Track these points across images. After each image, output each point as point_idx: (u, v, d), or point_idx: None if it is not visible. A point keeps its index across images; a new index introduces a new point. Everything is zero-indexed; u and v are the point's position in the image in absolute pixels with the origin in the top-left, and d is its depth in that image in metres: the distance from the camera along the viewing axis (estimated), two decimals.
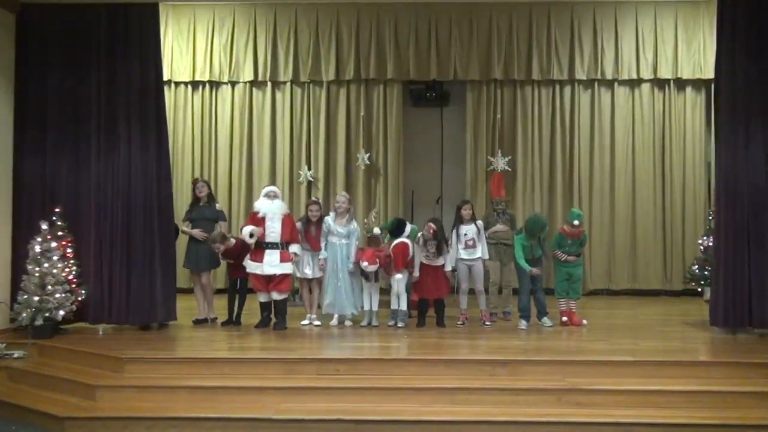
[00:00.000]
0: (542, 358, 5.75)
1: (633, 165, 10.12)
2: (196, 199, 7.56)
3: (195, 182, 7.70)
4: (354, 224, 7.27)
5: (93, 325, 7.11)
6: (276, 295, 7.02)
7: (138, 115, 7.16)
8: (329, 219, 7.20)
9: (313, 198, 7.65)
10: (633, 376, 5.48)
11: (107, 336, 6.90)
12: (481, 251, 7.19)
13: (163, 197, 7.21)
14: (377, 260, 6.89)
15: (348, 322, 7.24)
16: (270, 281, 6.98)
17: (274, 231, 6.98)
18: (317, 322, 7.25)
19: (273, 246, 6.97)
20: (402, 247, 6.99)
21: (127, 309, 7.03)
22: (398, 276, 6.95)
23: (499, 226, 7.60)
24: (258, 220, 7.03)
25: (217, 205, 7.65)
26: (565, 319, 7.24)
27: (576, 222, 7.09)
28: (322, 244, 7.15)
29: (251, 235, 6.90)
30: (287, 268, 7.00)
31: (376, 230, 7.20)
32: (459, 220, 7.25)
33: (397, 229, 7.21)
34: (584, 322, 7.27)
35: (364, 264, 6.90)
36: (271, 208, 7.03)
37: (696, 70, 9.92)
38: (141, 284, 7.02)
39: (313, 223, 7.24)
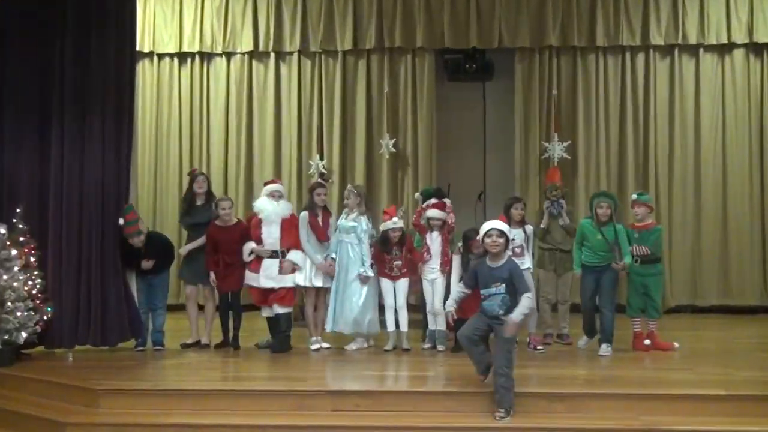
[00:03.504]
0: (611, 392, 5.69)
1: (723, 151, 10.03)
2: (191, 197, 7.59)
3: (194, 175, 7.73)
4: (365, 221, 7.22)
5: (61, 350, 7.21)
6: (278, 308, 7.09)
7: (109, 99, 7.27)
8: (341, 219, 7.27)
9: (319, 180, 7.68)
10: (725, 414, 5.41)
11: (79, 363, 6.98)
12: (528, 261, 7.17)
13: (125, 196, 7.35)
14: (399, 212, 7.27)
15: (371, 342, 7.24)
16: (271, 292, 7.09)
17: (271, 237, 7.09)
18: (325, 345, 7.29)
19: (272, 255, 7.09)
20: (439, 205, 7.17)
21: (102, 328, 7.15)
22: (435, 278, 7.00)
23: (565, 219, 7.57)
24: (256, 223, 7.15)
25: (215, 205, 7.44)
26: (648, 342, 7.15)
27: (634, 197, 7.28)
28: (333, 244, 7.21)
29: (250, 253, 7.11)
30: (288, 281, 7.10)
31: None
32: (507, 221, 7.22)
33: (436, 193, 7.52)
34: (676, 345, 7.21)
35: (388, 215, 7.15)
36: (276, 211, 7.12)
37: None
38: (115, 299, 7.19)
39: (320, 208, 7.30)
